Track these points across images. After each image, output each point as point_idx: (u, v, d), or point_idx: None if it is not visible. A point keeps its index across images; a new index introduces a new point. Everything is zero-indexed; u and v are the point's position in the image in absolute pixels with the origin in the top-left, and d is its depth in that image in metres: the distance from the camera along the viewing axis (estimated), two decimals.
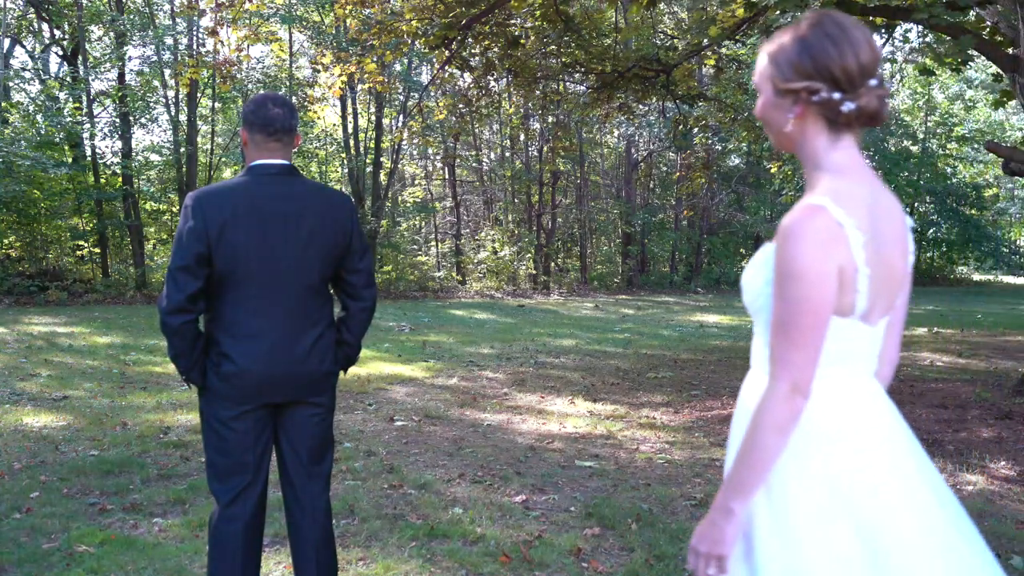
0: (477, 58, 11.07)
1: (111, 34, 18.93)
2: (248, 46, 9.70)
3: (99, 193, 17.75)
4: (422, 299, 19.42)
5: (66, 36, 19.58)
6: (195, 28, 18.89)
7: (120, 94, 18.21)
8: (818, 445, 1.44)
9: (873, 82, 1.44)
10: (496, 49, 10.43)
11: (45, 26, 20.18)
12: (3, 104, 17.64)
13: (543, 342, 11.14)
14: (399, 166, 24.37)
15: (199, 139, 20.63)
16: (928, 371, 8.62)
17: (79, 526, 3.74)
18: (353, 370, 7.27)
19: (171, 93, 19.72)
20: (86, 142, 18.35)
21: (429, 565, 3.36)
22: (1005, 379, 7.86)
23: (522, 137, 24.47)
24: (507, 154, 25.75)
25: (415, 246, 24.42)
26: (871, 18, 7.60)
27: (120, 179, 18.37)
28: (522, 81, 11.15)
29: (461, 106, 13.53)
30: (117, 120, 18.50)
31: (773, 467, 1.42)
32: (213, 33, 10.18)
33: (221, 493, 2.52)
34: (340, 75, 9.36)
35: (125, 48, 18.50)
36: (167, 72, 18.70)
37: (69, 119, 17.41)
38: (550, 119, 19.30)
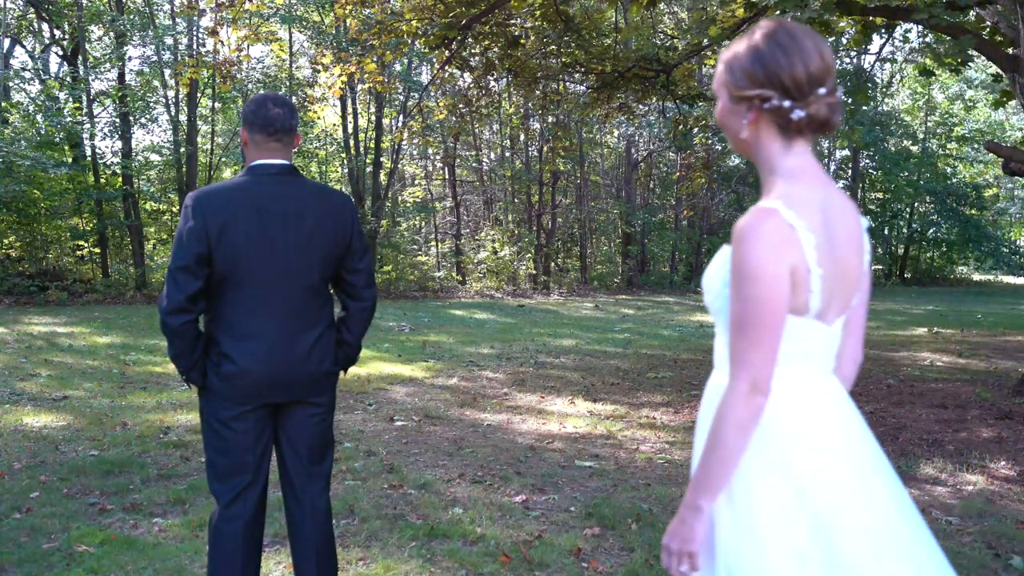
0: (477, 58, 11.07)
1: (111, 34, 18.93)
2: (248, 46, 9.70)
3: (99, 193, 17.75)
4: (422, 299, 19.43)
5: (66, 36, 19.58)
6: (195, 28, 18.89)
7: (120, 94, 18.21)
8: (777, 443, 1.48)
9: (822, 91, 1.48)
10: (496, 49, 10.44)
11: (45, 26, 20.18)
12: (3, 104, 17.64)
13: (543, 342, 11.14)
14: (399, 166, 24.37)
15: (199, 139, 20.64)
16: (928, 371, 8.62)
17: (79, 526, 3.74)
18: (353, 370, 7.28)
19: (171, 93, 19.72)
20: (86, 142, 18.35)
21: (429, 565, 3.36)
22: (1005, 379, 7.86)
23: (522, 137, 24.47)
24: (507, 154, 25.75)
25: (415, 246, 24.42)
26: (871, 18, 7.60)
27: (120, 179, 18.37)
28: (522, 81, 11.15)
29: (461, 106, 13.54)
30: (117, 120, 18.50)
31: (737, 464, 1.46)
32: (213, 33, 10.18)
33: (221, 493, 2.52)
34: (340, 75, 9.36)
35: (125, 48, 18.50)
36: (167, 72, 18.70)
37: (69, 119, 17.41)
38: (550, 119, 19.31)
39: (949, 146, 30.13)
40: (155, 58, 18.96)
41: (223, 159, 21.25)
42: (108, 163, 18.82)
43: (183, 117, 19.61)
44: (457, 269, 23.81)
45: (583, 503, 4.18)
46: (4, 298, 15.64)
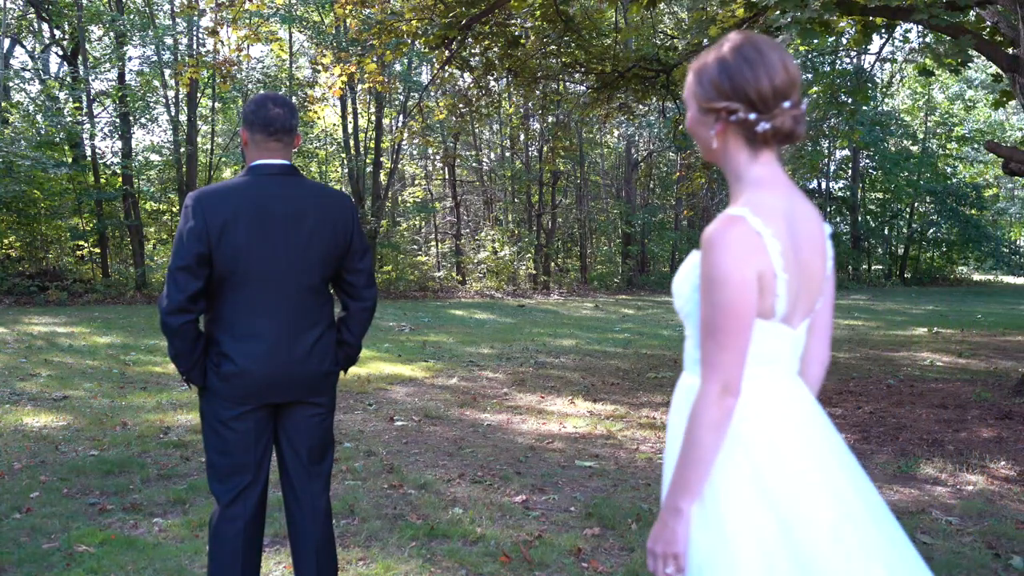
0: (477, 58, 11.07)
1: (111, 34, 18.93)
2: (248, 46, 9.69)
3: (99, 193, 17.76)
4: (422, 299, 19.43)
5: (66, 36, 19.58)
6: (195, 28, 18.90)
7: (120, 94, 18.22)
8: (743, 443, 1.52)
9: (787, 104, 1.53)
10: (496, 49, 10.43)
11: (45, 26, 20.19)
12: (3, 104, 17.65)
13: (543, 342, 11.14)
14: (399, 166, 24.37)
15: (199, 139, 20.65)
16: (928, 371, 8.62)
17: (79, 526, 3.74)
18: (353, 370, 7.28)
19: (171, 93, 19.73)
20: (86, 142, 18.36)
21: (429, 565, 3.36)
22: (1005, 379, 7.86)
23: (522, 137, 24.47)
24: (507, 154, 25.75)
25: (415, 246, 24.42)
26: (871, 18, 7.60)
27: (120, 179, 18.38)
28: (522, 81, 11.15)
29: (461, 106, 13.53)
30: (117, 120, 18.51)
31: (712, 463, 1.50)
32: (213, 33, 10.18)
33: (221, 493, 2.52)
34: (340, 75, 9.35)
35: (125, 48, 18.51)
36: (167, 72, 18.71)
37: (69, 119, 17.42)
38: (550, 119, 19.30)
39: (949, 146, 30.13)
40: (155, 58, 18.97)
41: (223, 159, 21.26)
42: (108, 163, 18.83)
43: (183, 117, 19.62)
44: (457, 269, 23.81)
45: (583, 503, 4.18)
46: (4, 298, 15.65)
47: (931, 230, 30.43)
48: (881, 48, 26.76)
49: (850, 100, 11.00)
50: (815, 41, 9.45)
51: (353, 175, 21.19)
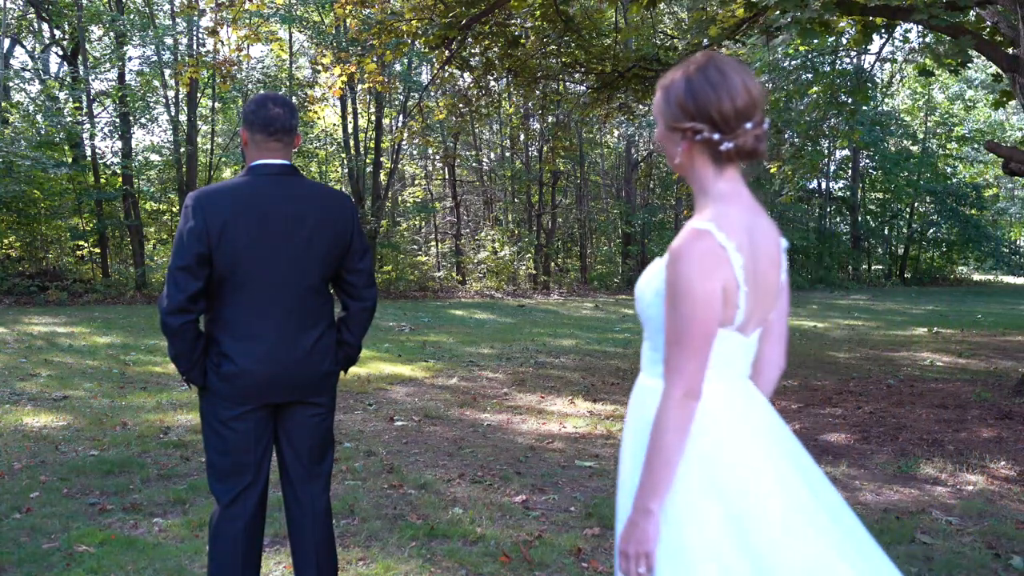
0: (477, 58, 11.07)
1: (111, 34, 18.94)
2: (248, 46, 9.69)
3: (99, 193, 17.76)
4: (422, 299, 19.43)
5: (66, 36, 19.59)
6: (195, 28, 18.90)
7: (120, 94, 18.22)
8: (694, 439, 1.59)
9: (749, 125, 1.60)
10: (496, 49, 10.43)
11: (45, 26, 20.19)
12: (3, 104, 17.65)
13: (543, 342, 11.14)
14: (399, 166, 24.36)
15: (199, 139, 20.65)
16: (928, 371, 8.62)
17: (79, 526, 3.74)
18: (353, 370, 7.28)
19: (171, 93, 19.73)
20: (86, 142, 18.36)
21: (429, 565, 3.36)
22: (1005, 379, 7.86)
23: (522, 137, 24.47)
24: (507, 154, 25.74)
25: (415, 246, 24.42)
26: (871, 18, 7.60)
27: (120, 179, 18.38)
28: (522, 81, 11.15)
29: (461, 106, 13.53)
30: (117, 120, 18.51)
31: (678, 464, 1.57)
32: (213, 33, 10.18)
33: (221, 493, 2.52)
34: (340, 75, 9.36)
35: (125, 48, 18.51)
36: (167, 72, 18.71)
37: (69, 119, 17.42)
38: (550, 119, 19.30)
39: (949, 146, 30.11)
40: (155, 58, 18.97)
41: (223, 159, 21.26)
42: (108, 163, 18.83)
43: (183, 117, 19.62)
44: (457, 269, 23.80)
45: (583, 503, 4.18)
46: (4, 298, 15.65)
47: (931, 230, 30.42)
48: (881, 48, 26.75)
49: (850, 100, 10.99)
50: (815, 41, 9.45)
51: (353, 175, 21.19)
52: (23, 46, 21.17)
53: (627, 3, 11.08)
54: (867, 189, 30.27)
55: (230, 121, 22.63)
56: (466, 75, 13.34)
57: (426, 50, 10.56)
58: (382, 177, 21.85)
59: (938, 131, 29.99)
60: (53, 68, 21.86)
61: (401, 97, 21.62)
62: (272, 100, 2.53)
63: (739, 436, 1.62)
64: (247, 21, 9.83)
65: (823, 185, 29.46)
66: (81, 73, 18.01)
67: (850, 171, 29.57)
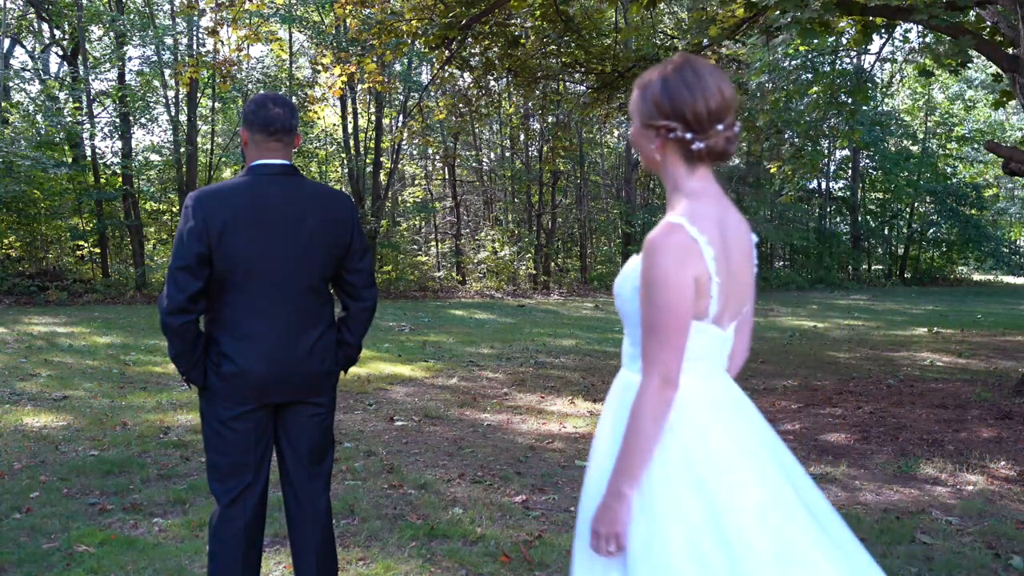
0: (477, 58, 11.07)
1: (111, 34, 18.94)
2: (248, 46, 9.69)
3: (99, 193, 17.76)
4: (422, 299, 19.42)
5: (66, 36, 19.59)
6: (195, 28, 18.90)
7: (120, 94, 18.22)
8: (675, 431, 1.64)
9: (720, 126, 1.66)
10: (496, 49, 10.43)
11: (45, 26, 20.19)
12: (3, 104, 17.65)
13: (543, 342, 11.14)
14: (399, 166, 24.36)
15: (199, 139, 20.65)
16: (928, 371, 8.62)
17: (79, 526, 3.74)
18: (353, 370, 7.28)
19: (171, 93, 19.73)
20: (86, 142, 18.36)
21: (429, 565, 3.36)
22: (1005, 379, 7.86)
23: (522, 137, 24.47)
24: (507, 154, 25.74)
25: (415, 246, 24.41)
26: (871, 18, 7.60)
27: (120, 179, 18.38)
28: (522, 81, 11.15)
29: (461, 106, 13.54)
30: (117, 120, 18.51)
31: (653, 451, 1.62)
32: (213, 33, 10.18)
33: (221, 493, 2.52)
34: (340, 75, 9.36)
35: (125, 48, 18.51)
36: (167, 72, 18.71)
37: (69, 119, 17.42)
38: (550, 119, 19.31)
39: (949, 146, 30.11)
40: (155, 58, 18.97)
41: (223, 159, 21.26)
42: (108, 163, 18.83)
43: (183, 117, 19.62)
44: (457, 269, 23.80)
45: None
46: (4, 298, 15.65)
47: (931, 230, 30.41)
48: (881, 48, 26.77)
49: (850, 100, 10.99)
50: (815, 41, 9.45)
51: (353, 175, 21.19)
52: (23, 46, 21.18)
53: (627, 3, 11.09)
54: (867, 189, 30.27)
55: (230, 121, 22.63)
56: (466, 75, 13.35)
57: (426, 50, 10.56)
58: (382, 177, 21.85)
59: (938, 131, 29.99)
60: (53, 68, 21.88)
61: (401, 97, 21.62)
62: (272, 100, 2.53)
63: (718, 428, 1.66)
64: (247, 21, 9.83)
65: (823, 185, 29.46)
66: (81, 73, 18.01)
67: (850, 171, 29.57)
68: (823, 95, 10.75)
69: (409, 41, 9.57)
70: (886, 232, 31.21)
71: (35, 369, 8.10)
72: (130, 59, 19.60)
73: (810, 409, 6.60)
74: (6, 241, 18.17)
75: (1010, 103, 8.45)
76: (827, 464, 4.91)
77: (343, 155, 22.27)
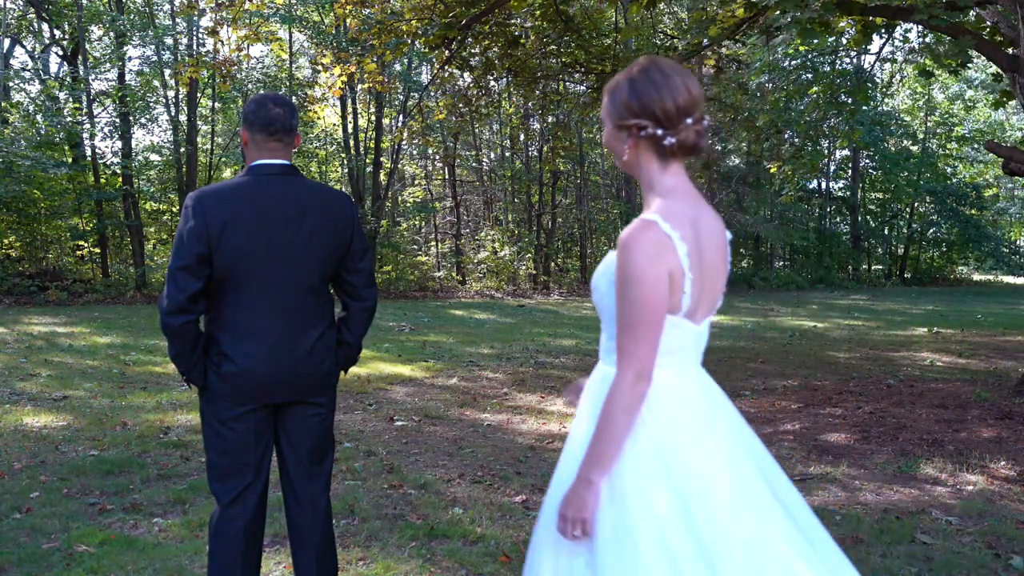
0: (477, 58, 11.07)
1: (111, 34, 18.94)
2: (248, 46, 9.69)
3: (99, 193, 17.76)
4: (422, 299, 19.43)
5: (66, 36, 19.59)
6: (195, 28, 18.90)
7: (120, 94, 18.22)
8: (646, 423, 1.68)
9: (689, 121, 1.71)
10: (496, 49, 10.43)
11: (45, 26, 20.19)
12: (3, 104, 17.65)
13: (543, 342, 11.14)
14: (399, 166, 24.36)
15: (199, 139, 20.65)
16: (928, 371, 8.62)
17: (79, 526, 3.74)
18: (353, 370, 7.28)
19: (171, 93, 19.73)
20: (86, 142, 18.36)
21: (429, 565, 3.36)
22: (1005, 379, 7.85)
23: (522, 137, 24.47)
24: (507, 154, 25.74)
25: (415, 246, 24.41)
26: (871, 18, 7.60)
27: (120, 179, 18.39)
28: (522, 81, 11.15)
29: (461, 106, 13.53)
30: (117, 120, 18.51)
31: (625, 442, 1.66)
32: (213, 33, 10.18)
33: (222, 493, 2.52)
34: (340, 75, 9.36)
35: (125, 48, 18.51)
36: (167, 72, 18.71)
37: (69, 119, 17.42)
38: (550, 119, 19.30)
39: (949, 146, 30.10)
40: (155, 58, 18.97)
41: (223, 159, 21.26)
42: (108, 163, 18.82)
43: (183, 117, 19.62)
44: (457, 269, 23.80)
45: None
46: (4, 298, 15.65)
47: (931, 230, 30.41)
48: (881, 48, 26.76)
49: (850, 100, 11.00)
50: (815, 41, 9.45)
51: (353, 175, 21.19)
52: (23, 46, 21.17)
53: (627, 3, 11.08)
54: (867, 189, 30.27)
55: (230, 121, 22.63)
56: (466, 75, 13.35)
57: (426, 50, 10.56)
58: (382, 177, 21.85)
59: (938, 131, 29.99)
60: (53, 68, 21.88)
61: (401, 97, 21.62)
62: (272, 100, 2.53)
63: (691, 422, 1.70)
64: (247, 21, 9.83)
65: (823, 185, 29.46)
66: (81, 73, 18.01)
67: (850, 171, 29.56)
68: (823, 95, 10.76)
69: (409, 41, 9.57)
70: (886, 232, 31.21)
71: (35, 369, 8.10)
72: (130, 59, 19.62)
73: (810, 409, 6.60)
74: (6, 241, 18.17)
75: (1010, 103, 8.45)
76: (827, 464, 4.91)
77: (343, 155, 22.27)
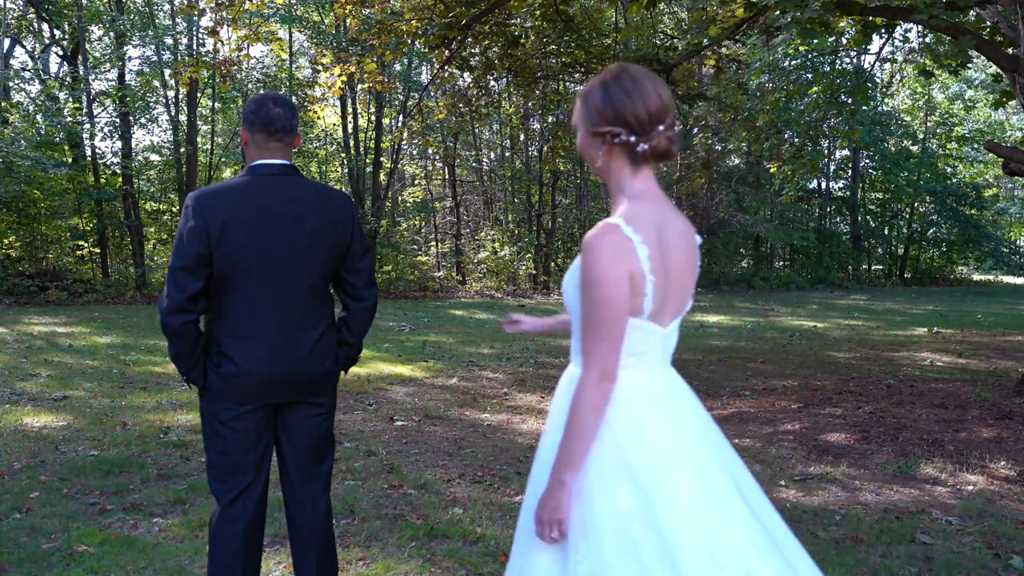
0: (477, 58, 11.08)
1: (111, 34, 18.94)
2: (248, 46, 9.69)
3: (99, 193, 17.76)
4: (422, 299, 19.43)
5: (66, 36, 19.58)
6: (195, 28, 18.90)
7: (120, 94, 18.22)
8: (609, 422, 1.71)
9: (661, 127, 1.75)
10: (496, 49, 10.44)
11: (45, 26, 20.19)
12: (3, 104, 17.65)
13: (543, 342, 11.14)
14: (399, 166, 24.36)
15: (199, 139, 20.64)
16: (928, 371, 8.62)
17: (79, 526, 3.74)
18: (353, 370, 7.28)
19: (171, 93, 19.73)
20: (86, 142, 18.36)
21: (429, 565, 3.36)
22: (1005, 379, 7.86)
23: (522, 137, 24.46)
24: (507, 154, 25.74)
25: (415, 246, 24.41)
26: (871, 18, 7.60)
27: (120, 179, 18.39)
28: (522, 81, 11.15)
29: (461, 106, 13.53)
30: (117, 120, 18.51)
31: (593, 441, 1.69)
32: (213, 33, 10.18)
33: (221, 493, 2.52)
34: (340, 75, 9.36)
35: (125, 48, 18.51)
36: (167, 72, 18.71)
37: (69, 119, 17.42)
38: (550, 119, 19.31)
39: (949, 146, 30.09)
40: (155, 58, 18.97)
41: (223, 159, 21.26)
42: (108, 163, 18.82)
43: (183, 117, 19.62)
44: (457, 269, 23.80)
45: None
46: (4, 298, 15.65)
47: (931, 230, 30.40)
48: (881, 48, 26.77)
49: (850, 100, 11.00)
50: (815, 41, 9.45)
51: (353, 175, 21.19)
52: (23, 46, 21.17)
53: (627, 3, 11.08)
54: (867, 189, 30.26)
55: (230, 121, 22.63)
56: (466, 75, 13.35)
57: (426, 50, 10.57)
58: (382, 177, 21.85)
59: (938, 131, 29.98)
60: (53, 68, 21.87)
61: (401, 97, 21.62)
62: (272, 100, 2.52)
63: (656, 421, 1.72)
64: (247, 21, 9.83)
65: (823, 185, 29.45)
66: (81, 73, 18.01)
67: (850, 171, 29.55)
68: (823, 95, 10.76)
69: (409, 41, 9.57)
70: (886, 232, 31.20)
71: (35, 369, 8.10)
72: (130, 59, 19.62)
73: (810, 409, 6.60)
74: (6, 241, 18.17)
75: (1010, 103, 8.45)
76: (827, 464, 4.91)
77: (343, 155, 22.27)
